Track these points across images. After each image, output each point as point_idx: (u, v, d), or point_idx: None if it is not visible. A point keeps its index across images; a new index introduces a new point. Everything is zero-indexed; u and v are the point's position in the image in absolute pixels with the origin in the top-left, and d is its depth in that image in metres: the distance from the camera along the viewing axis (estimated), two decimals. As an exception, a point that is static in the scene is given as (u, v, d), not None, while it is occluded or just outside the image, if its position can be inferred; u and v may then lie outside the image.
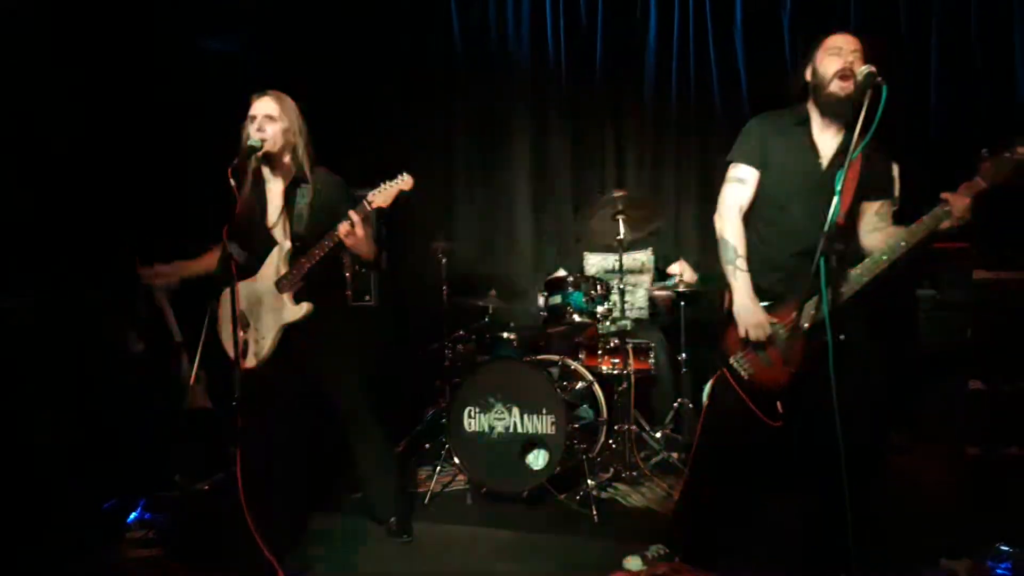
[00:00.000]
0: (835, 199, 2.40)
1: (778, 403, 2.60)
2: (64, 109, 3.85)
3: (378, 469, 3.27)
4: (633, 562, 2.85)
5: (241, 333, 2.97)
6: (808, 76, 2.65)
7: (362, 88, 5.44)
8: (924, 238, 2.48)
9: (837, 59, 2.56)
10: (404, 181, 2.89)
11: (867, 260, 2.53)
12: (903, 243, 2.48)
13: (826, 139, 2.65)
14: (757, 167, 2.68)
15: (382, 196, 2.88)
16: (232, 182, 2.63)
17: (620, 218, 3.90)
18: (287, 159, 2.97)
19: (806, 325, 2.51)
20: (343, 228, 2.82)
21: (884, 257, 2.50)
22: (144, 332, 3.99)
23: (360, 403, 3.16)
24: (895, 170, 2.74)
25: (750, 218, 2.72)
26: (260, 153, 2.84)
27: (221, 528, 3.13)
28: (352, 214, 2.83)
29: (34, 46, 3.73)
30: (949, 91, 4.59)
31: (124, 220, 4.02)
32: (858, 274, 2.52)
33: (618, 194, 3.94)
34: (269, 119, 2.90)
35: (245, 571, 2.83)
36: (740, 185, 2.69)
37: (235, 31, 4.71)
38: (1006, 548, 2.73)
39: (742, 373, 2.61)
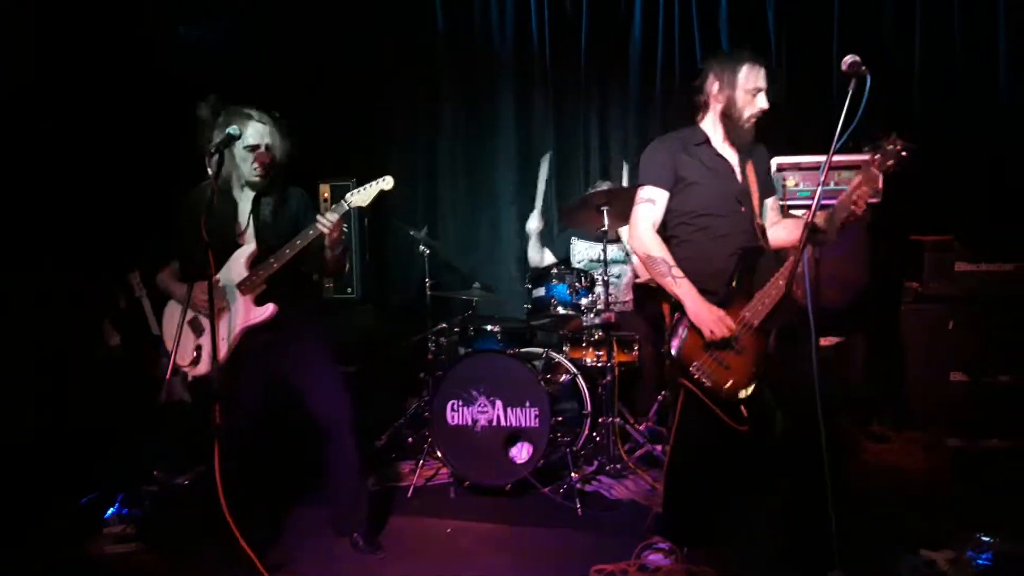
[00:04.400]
0: (819, 189, 2.43)
1: (742, 407, 2.62)
2: (48, 101, 3.81)
3: (348, 481, 3.10)
4: None
5: (195, 340, 2.93)
6: (720, 101, 2.78)
7: (344, 81, 5.40)
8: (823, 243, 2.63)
9: (757, 102, 2.73)
10: (384, 181, 2.89)
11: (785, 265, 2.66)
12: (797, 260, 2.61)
13: (727, 152, 2.82)
14: (667, 188, 2.79)
15: (361, 196, 2.88)
16: (209, 170, 2.60)
17: (604, 209, 3.88)
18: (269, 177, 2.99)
19: (756, 321, 2.60)
20: (322, 225, 2.80)
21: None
22: (121, 325, 3.94)
23: (332, 408, 3.03)
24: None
25: (681, 234, 2.82)
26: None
27: (200, 523, 3.10)
28: (330, 213, 2.82)
29: (25, 41, 3.69)
30: (933, 90, 4.63)
31: (103, 211, 3.98)
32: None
33: (602, 187, 3.94)
34: (268, 149, 2.90)
35: (225, 566, 2.81)
36: (651, 205, 2.80)
37: (217, 24, 4.67)
38: (987, 539, 2.74)
39: (705, 382, 2.62)
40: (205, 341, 2.89)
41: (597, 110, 5.24)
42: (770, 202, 2.92)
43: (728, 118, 2.77)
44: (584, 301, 3.94)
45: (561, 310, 3.96)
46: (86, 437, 3.67)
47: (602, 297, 3.90)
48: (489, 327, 4.16)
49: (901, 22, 4.68)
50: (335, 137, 5.23)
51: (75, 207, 3.85)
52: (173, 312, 2.99)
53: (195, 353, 2.91)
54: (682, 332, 2.67)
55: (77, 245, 3.83)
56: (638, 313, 4.54)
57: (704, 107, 2.86)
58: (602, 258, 3.93)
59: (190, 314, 2.89)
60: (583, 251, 4.59)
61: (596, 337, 4.06)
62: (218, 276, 2.89)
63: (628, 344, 4.19)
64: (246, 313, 2.88)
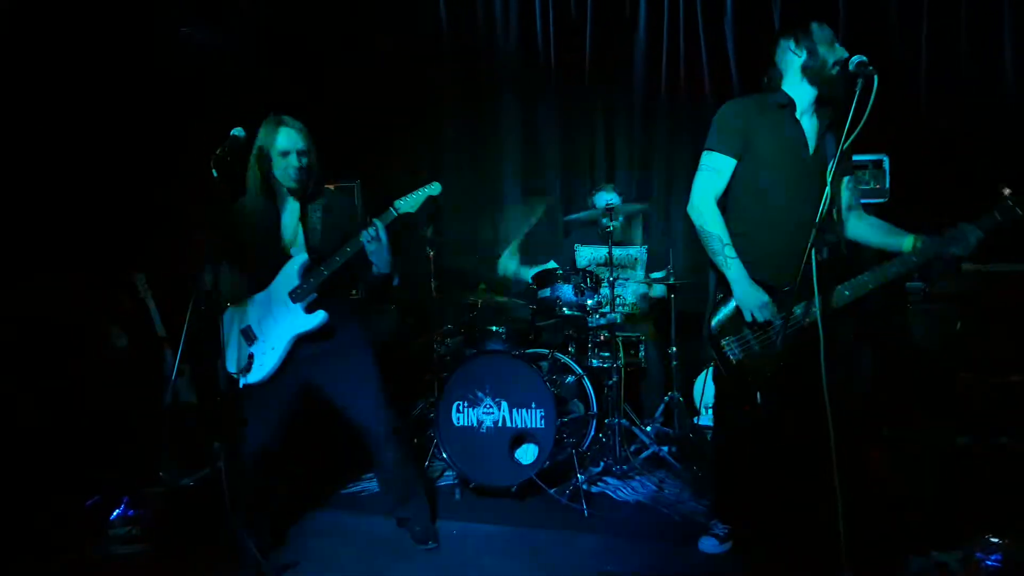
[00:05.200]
0: (827, 189, 2.39)
1: (757, 393, 2.58)
2: (51, 102, 3.82)
3: (406, 476, 3.18)
4: None
5: (248, 348, 2.92)
6: (799, 54, 2.61)
7: (346, 81, 5.39)
8: (917, 266, 2.53)
9: (836, 49, 2.58)
10: (432, 187, 2.92)
11: (854, 281, 2.55)
12: (895, 270, 2.51)
13: (808, 122, 2.65)
14: (735, 156, 2.63)
15: (409, 203, 2.89)
16: (216, 173, 2.59)
17: (610, 214, 3.88)
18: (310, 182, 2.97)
19: (808, 321, 2.51)
20: (367, 235, 2.80)
21: (872, 284, 2.53)
22: (128, 326, 3.95)
23: (380, 409, 3.05)
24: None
25: (738, 207, 2.68)
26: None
27: (206, 525, 3.11)
28: (376, 221, 2.81)
29: (29, 45, 3.70)
30: (939, 88, 4.61)
31: (105, 212, 3.98)
32: (844, 293, 2.54)
33: (605, 191, 3.99)
34: (302, 153, 2.88)
35: (230, 568, 2.80)
36: (715, 175, 2.65)
37: (218, 25, 4.68)
38: (996, 540, 2.73)
39: (731, 357, 2.60)
40: (257, 350, 2.88)
41: (602, 110, 5.23)
42: (845, 181, 2.72)
43: (810, 70, 2.58)
44: (590, 302, 3.93)
45: (567, 311, 3.94)
46: (91, 438, 3.68)
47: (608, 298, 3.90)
48: (494, 328, 4.15)
49: (906, 19, 4.66)
50: (337, 138, 5.22)
51: (77, 208, 3.85)
52: (231, 318, 2.96)
53: (248, 361, 2.90)
54: (724, 307, 2.63)
55: (79, 246, 3.83)
56: (644, 316, 4.53)
57: (780, 75, 2.67)
58: (607, 260, 3.93)
59: (243, 323, 2.90)
60: (587, 257, 4.58)
61: (602, 338, 4.05)
62: (268, 287, 2.92)
63: (634, 345, 4.18)
64: (298, 321, 2.87)
